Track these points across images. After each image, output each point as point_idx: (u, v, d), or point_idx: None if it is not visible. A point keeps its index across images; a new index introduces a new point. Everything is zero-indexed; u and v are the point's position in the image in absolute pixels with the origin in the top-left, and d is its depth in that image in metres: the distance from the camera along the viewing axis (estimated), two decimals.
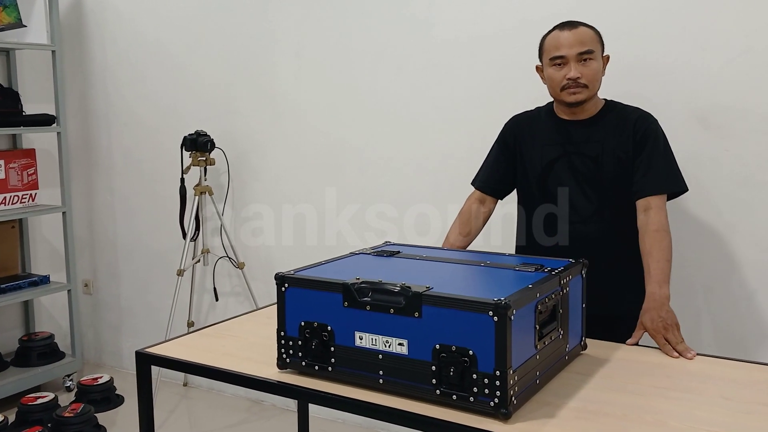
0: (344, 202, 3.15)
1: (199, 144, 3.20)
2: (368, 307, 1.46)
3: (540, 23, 2.61)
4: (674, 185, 2.00)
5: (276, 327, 1.59)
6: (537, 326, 1.45)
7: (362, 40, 3.01)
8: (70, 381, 3.69)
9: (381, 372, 1.46)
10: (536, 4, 2.61)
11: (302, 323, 1.55)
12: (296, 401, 3.32)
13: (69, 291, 3.69)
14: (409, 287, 1.42)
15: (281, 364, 1.59)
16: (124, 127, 3.77)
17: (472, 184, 2.24)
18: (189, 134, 3.24)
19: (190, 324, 3.52)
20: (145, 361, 1.76)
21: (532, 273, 1.57)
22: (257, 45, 3.29)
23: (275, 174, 3.33)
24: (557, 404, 1.42)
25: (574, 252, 1.91)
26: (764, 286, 2.33)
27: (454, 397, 1.37)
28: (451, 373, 1.36)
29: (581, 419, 1.35)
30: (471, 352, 1.34)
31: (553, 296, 1.52)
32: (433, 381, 1.39)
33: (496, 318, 1.31)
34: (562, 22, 2.05)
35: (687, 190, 2.02)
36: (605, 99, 2.11)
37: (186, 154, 3.28)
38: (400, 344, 1.43)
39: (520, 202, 2.19)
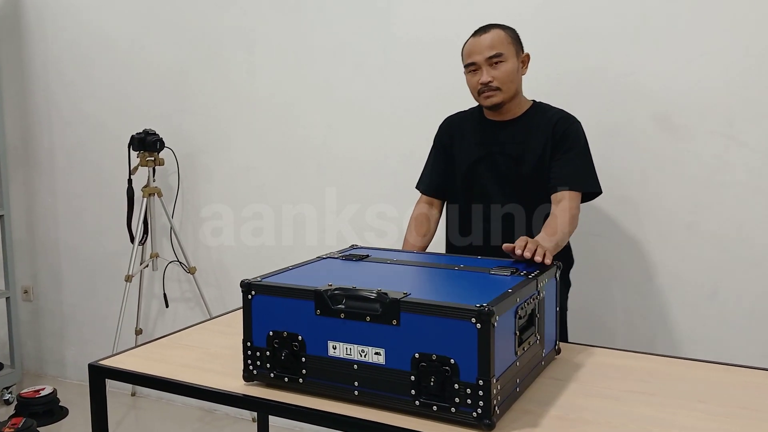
0: (302, 203, 3.06)
1: (147, 143, 3.07)
2: (342, 315, 1.38)
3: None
4: (589, 185, 2.04)
5: (237, 337, 1.51)
6: (517, 332, 1.40)
7: (320, 37, 2.94)
8: (9, 394, 3.50)
9: (356, 383, 1.39)
10: (498, 7, 2.58)
11: (270, 333, 1.47)
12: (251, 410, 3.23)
13: (7, 298, 3.50)
14: (386, 294, 1.35)
15: (248, 376, 1.51)
16: (68, 125, 3.60)
17: (417, 188, 2.27)
18: (137, 133, 3.11)
19: (138, 332, 3.38)
20: (99, 375, 1.65)
21: (509, 277, 1.53)
22: (210, 40, 3.18)
23: (228, 174, 3.22)
24: (538, 412, 1.38)
25: (495, 250, 1.93)
26: (725, 285, 2.36)
27: (435, 408, 1.31)
28: (432, 383, 1.30)
29: (564, 428, 1.31)
30: (452, 361, 1.28)
31: (531, 301, 1.48)
32: (412, 392, 1.33)
33: (479, 325, 1.26)
34: (477, 28, 2.08)
35: (601, 192, 2.05)
36: (533, 100, 2.14)
37: (134, 153, 3.14)
38: (376, 353, 1.36)
39: (450, 200, 2.22)
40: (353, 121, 2.92)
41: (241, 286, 1.50)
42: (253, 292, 1.48)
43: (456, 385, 1.28)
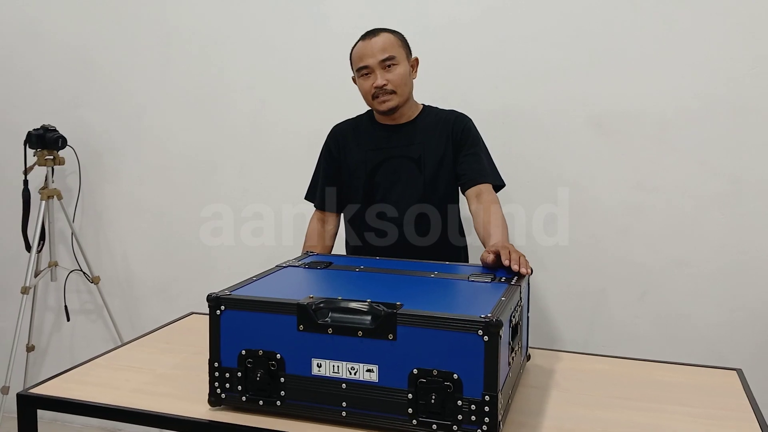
0: (214, 207, 2.88)
1: (47, 140, 2.78)
2: (330, 331, 1.27)
3: (436, 26, 2.55)
4: (497, 179, 2.04)
5: (183, 354, 1.37)
6: (510, 342, 1.35)
7: (240, 29, 2.77)
8: None
9: (344, 404, 1.28)
10: (433, 8, 2.54)
11: (243, 352, 1.33)
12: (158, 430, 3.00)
13: None
14: (380, 306, 1.25)
15: (215, 401, 1.36)
16: None
17: (308, 199, 2.20)
18: (34, 129, 2.80)
19: (30, 348, 3.06)
20: (30, 405, 1.43)
21: (490, 284, 1.47)
22: (120, 27, 2.92)
23: (135, 177, 2.98)
24: (532, 424, 1.33)
25: (400, 252, 1.99)
26: (655, 286, 2.43)
27: (434, 426, 1.23)
28: (432, 401, 1.22)
29: None
30: (455, 376, 1.21)
31: (517, 308, 1.43)
32: (409, 410, 1.24)
33: (486, 337, 1.19)
34: (365, 32, 2.03)
35: (504, 185, 2.06)
36: (423, 104, 2.13)
37: (30, 151, 2.83)
38: (369, 371, 1.26)
39: (343, 207, 2.16)
40: (275, 124, 2.78)
41: (208, 300, 1.35)
42: (222, 307, 1.34)
43: (459, 401, 1.21)
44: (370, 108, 2.11)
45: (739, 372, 1.63)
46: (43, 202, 2.84)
